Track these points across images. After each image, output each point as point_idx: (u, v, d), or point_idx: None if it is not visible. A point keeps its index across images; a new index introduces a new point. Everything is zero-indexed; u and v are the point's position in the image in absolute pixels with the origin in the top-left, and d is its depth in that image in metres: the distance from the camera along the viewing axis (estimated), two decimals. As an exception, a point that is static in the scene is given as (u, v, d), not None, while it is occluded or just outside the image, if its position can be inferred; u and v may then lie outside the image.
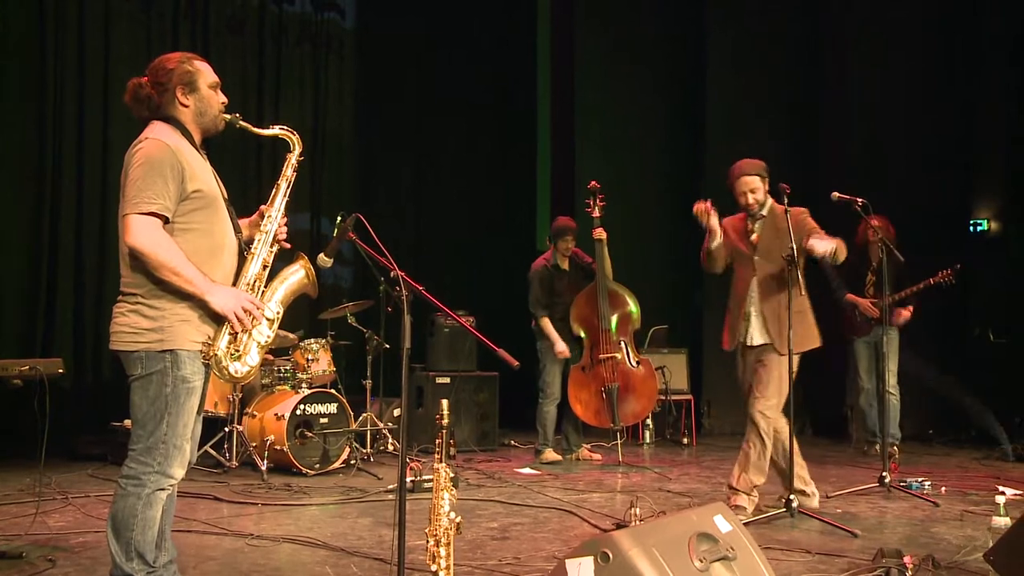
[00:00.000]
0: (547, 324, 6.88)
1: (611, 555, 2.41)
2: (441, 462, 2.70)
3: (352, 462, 6.39)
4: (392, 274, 2.95)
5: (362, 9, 9.48)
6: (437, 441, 2.74)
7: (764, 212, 5.03)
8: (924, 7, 8.71)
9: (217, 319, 2.89)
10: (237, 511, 5.04)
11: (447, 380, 7.56)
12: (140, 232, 2.78)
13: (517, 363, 2.94)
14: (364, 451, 6.64)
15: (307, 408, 6.25)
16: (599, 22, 9.56)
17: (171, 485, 2.92)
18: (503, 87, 9.98)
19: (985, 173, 8.82)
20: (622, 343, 6.87)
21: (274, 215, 3.08)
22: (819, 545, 4.26)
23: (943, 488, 5.72)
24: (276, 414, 6.20)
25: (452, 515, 2.68)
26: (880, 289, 7.05)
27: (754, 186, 4.99)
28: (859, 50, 8.95)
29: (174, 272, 2.79)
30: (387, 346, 6.77)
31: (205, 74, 3.01)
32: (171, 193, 2.82)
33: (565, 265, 7.02)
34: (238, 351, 2.92)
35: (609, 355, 6.79)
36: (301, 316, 7.51)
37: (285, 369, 6.67)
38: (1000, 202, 8.78)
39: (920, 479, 5.78)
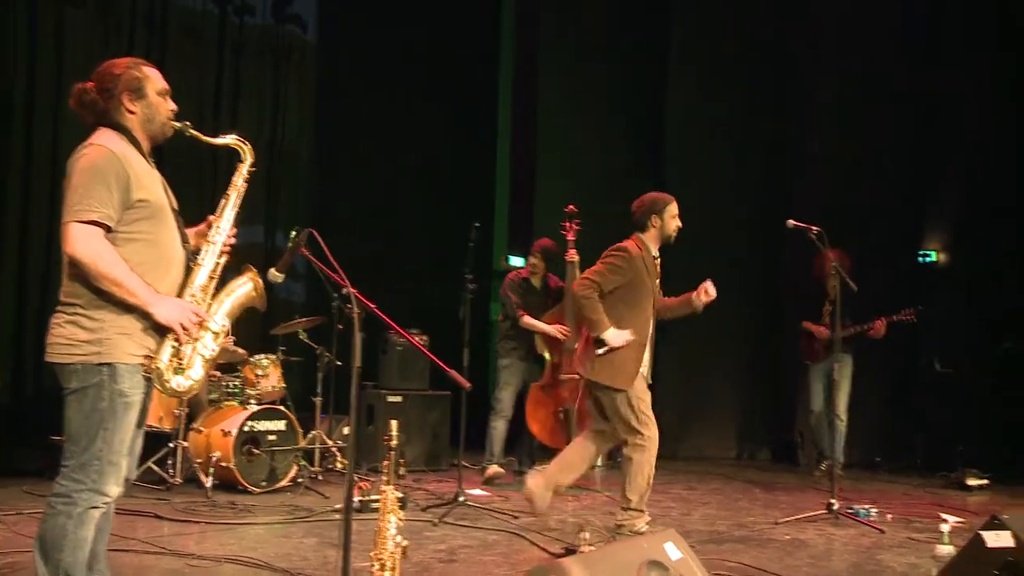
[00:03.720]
0: (531, 320, 6.83)
1: (559, 582, 2.36)
2: (389, 484, 2.63)
3: (300, 480, 6.27)
4: (344, 291, 2.89)
5: (324, 21, 9.43)
6: (385, 463, 2.67)
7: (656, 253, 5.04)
8: (880, 50, 8.86)
9: (160, 331, 2.81)
10: (178, 530, 4.91)
11: (399, 399, 7.47)
12: (80, 241, 2.69)
13: (469, 384, 2.89)
14: (312, 469, 6.53)
15: (255, 424, 6.13)
16: (562, 45, 9.58)
17: (105, 503, 2.82)
18: (465, 104, 9.95)
19: (934, 206, 8.97)
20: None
21: (223, 226, 3.02)
22: (773, 569, 4.25)
23: (889, 515, 5.78)
24: (223, 430, 6.07)
25: (398, 538, 2.62)
26: (842, 319, 7.20)
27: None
28: (821, 84, 9.07)
29: (115, 283, 2.71)
30: (339, 363, 6.67)
31: (153, 80, 2.94)
32: (114, 202, 2.74)
33: (536, 283, 7.02)
34: (181, 364, 2.84)
35: (570, 375, 6.78)
36: (252, 331, 7.38)
37: (234, 385, 6.54)
38: (949, 234, 8.94)
39: (867, 506, 5.82)
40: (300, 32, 9.23)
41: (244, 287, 3.02)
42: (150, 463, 6.07)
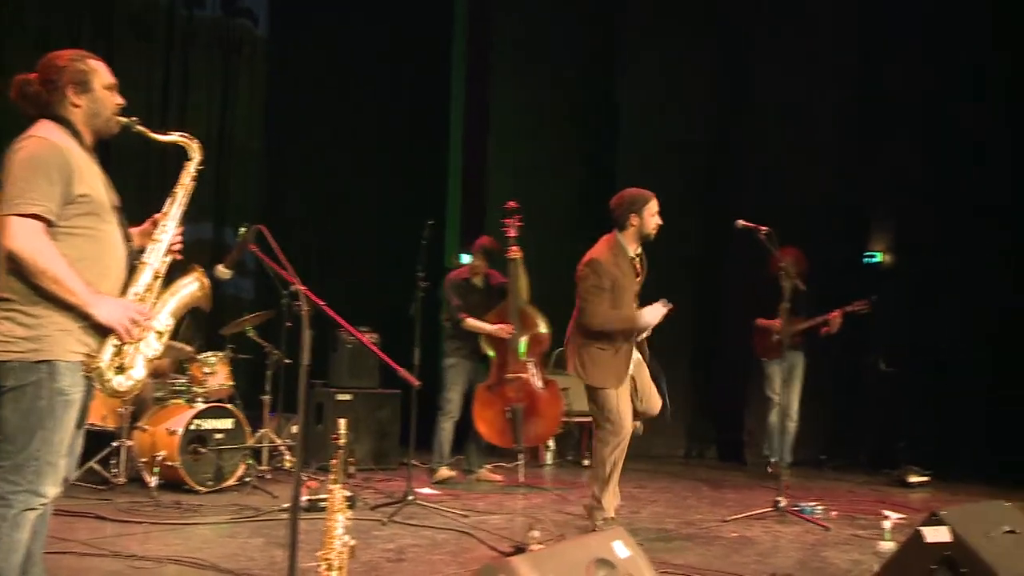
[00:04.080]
0: (474, 321, 6.77)
1: (506, 581, 2.36)
2: (337, 483, 2.60)
3: (247, 479, 6.20)
4: (293, 288, 2.86)
5: (275, 16, 9.32)
6: (333, 462, 2.65)
7: (639, 251, 5.04)
8: (826, 55, 8.99)
9: (101, 330, 2.76)
10: (121, 530, 4.82)
11: (348, 397, 7.42)
12: (20, 235, 2.63)
13: (418, 382, 2.88)
14: (260, 468, 6.46)
15: (201, 423, 6.04)
16: (514, 42, 9.57)
17: (42, 505, 2.74)
18: (417, 99, 9.88)
19: (879, 207, 9.13)
20: (530, 364, 6.86)
21: (169, 224, 2.96)
22: (716, 568, 4.29)
23: (834, 512, 5.86)
24: (168, 429, 5.98)
25: (346, 538, 2.59)
26: (791, 316, 7.27)
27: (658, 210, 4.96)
28: (764, 87, 9.17)
29: (54, 280, 2.65)
30: (288, 361, 6.61)
31: (100, 74, 2.88)
32: (56, 195, 2.68)
33: (478, 283, 6.98)
34: (123, 364, 2.79)
35: (516, 375, 6.77)
36: (200, 328, 7.28)
37: (180, 383, 6.46)
38: (893, 235, 9.10)
39: (812, 503, 5.90)
40: (251, 26, 9.12)
41: (190, 286, 2.97)
42: (92, 463, 5.96)
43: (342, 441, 2.64)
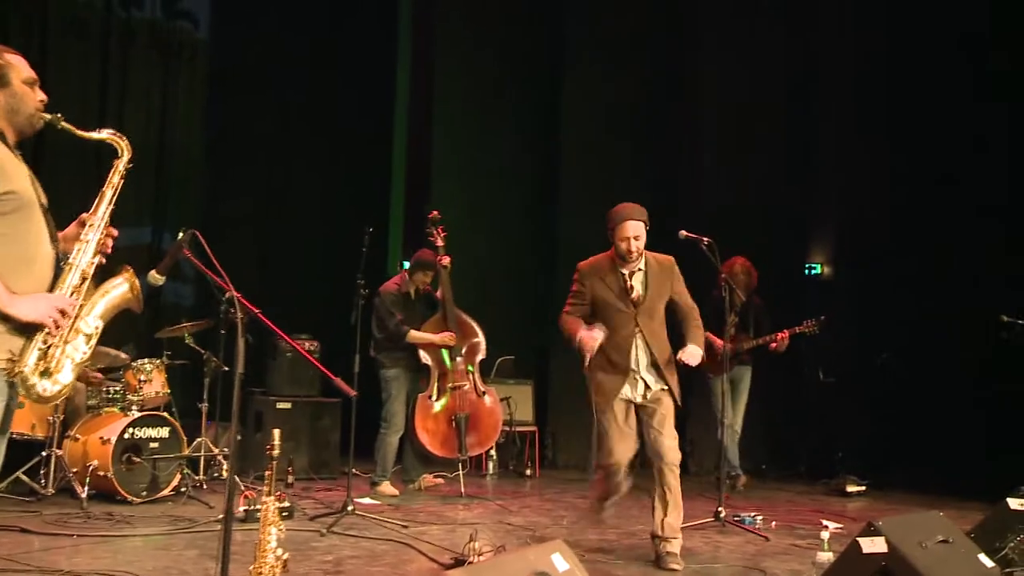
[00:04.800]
0: (417, 333, 6.68)
1: (443, 594, 2.31)
2: (270, 494, 2.53)
3: (183, 490, 6.06)
4: (227, 295, 2.78)
5: (216, 18, 9.16)
6: (267, 473, 2.58)
7: (642, 265, 4.66)
8: (769, 61, 9.12)
9: (25, 332, 2.65)
10: (48, 544, 4.65)
11: (288, 405, 7.31)
12: None
13: (355, 392, 2.82)
14: (197, 478, 6.31)
15: (136, 432, 5.90)
16: (458, 43, 9.53)
17: (-38, 516, 2.64)
18: (361, 103, 9.80)
19: (819, 220, 9.28)
20: (469, 372, 6.82)
21: (97, 224, 2.86)
22: (658, 578, 4.29)
23: (773, 522, 5.90)
24: (101, 438, 5.82)
25: (279, 551, 2.52)
26: (742, 331, 7.32)
27: (638, 233, 4.57)
28: (711, 93, 9.27)
29: None
30: (225, 368, 6.48)
31: (18, 68, 2.78)
32: None
33: (413, 295, 6.91)
34: (48, 368, 2.68)
35: (458, 384, 6.73)
36: (136, 335, 7.12)
37: (114, 390, 6.29)
38: (832, 248, 9.25)
39: (752, 513, 5.94)
40: (191, 28, 8.94)
41: (119, 288, 2.88)
42: (19, 473, 5.78)
43: (276, 452, 2.56)
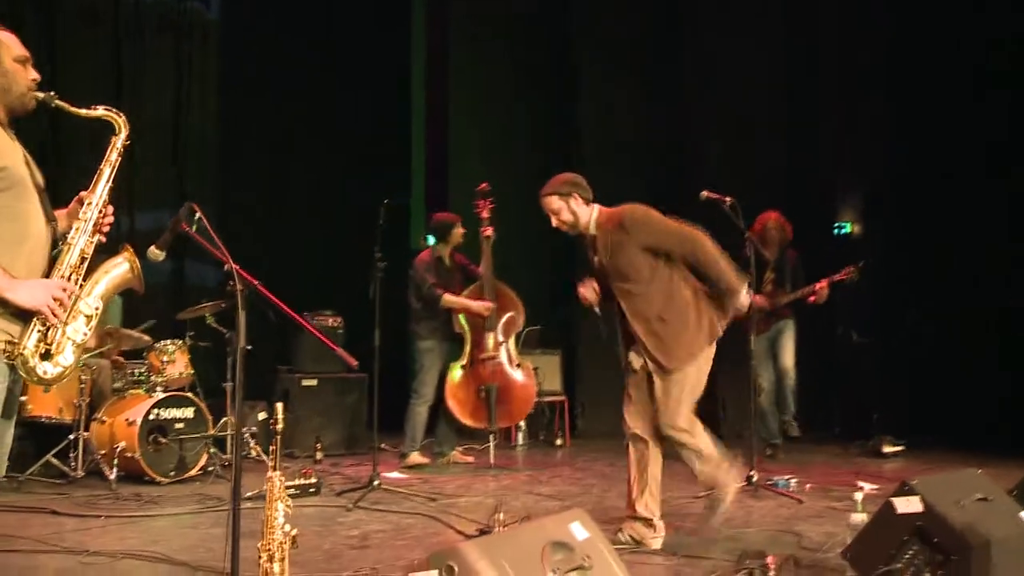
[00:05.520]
0: (453, 297, 6.63)
1: (457, 568, 2.25)
2: (275, 470, 2.47)
3: (210, 469, 6.07)
4: (226, 267, 2.72)
5: (228, -2, 9.10)
6: (272, 448, 2.52)
7: (592, 230, 4.33)
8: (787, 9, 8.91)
9: (24, 315, 2.60)
10: (77, 525, 4.67)
11: (314, 382, 7.30)
12: None
13: (356, 362, 2.75)
14: (224, 457, 6.30)
15: (161, 412, 5.90)
16: (475, 19, 9.42)
17: (-32, 501, 2.60)
18: (375, 79, 9.69)
19: (848, 177, 9.06)
20: (504, 344, 6.76)
21: (95, 202, 2.80)
22: (686, 547, 4.20)
23: (808, 485, 5.78)
24: (127, 419, 5.83)
25: (287, 527, 2.47)
26: (779, 286, 7.09)
27: (553, 208, 4.34)
28: (722, 52, 9.06)
29: None
30: (248, 347, 6.43)
31: (8, 46, 2.70)
32: None
33: (448, 262, 6.85)
34: (49, 350, 2.63)
35: (490, 355, 6.68)
36: (158, 316, 7.11)
37: (139, 372, 6.30)
38: (862, 205, 9.04)
39: (787, 477, 5.83)
40: (203, 9, 8.88)
41: (120, 267, 2.82)
42: (49, 456, 5.82)
43: (279, 426, 2.50)
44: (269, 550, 2.48)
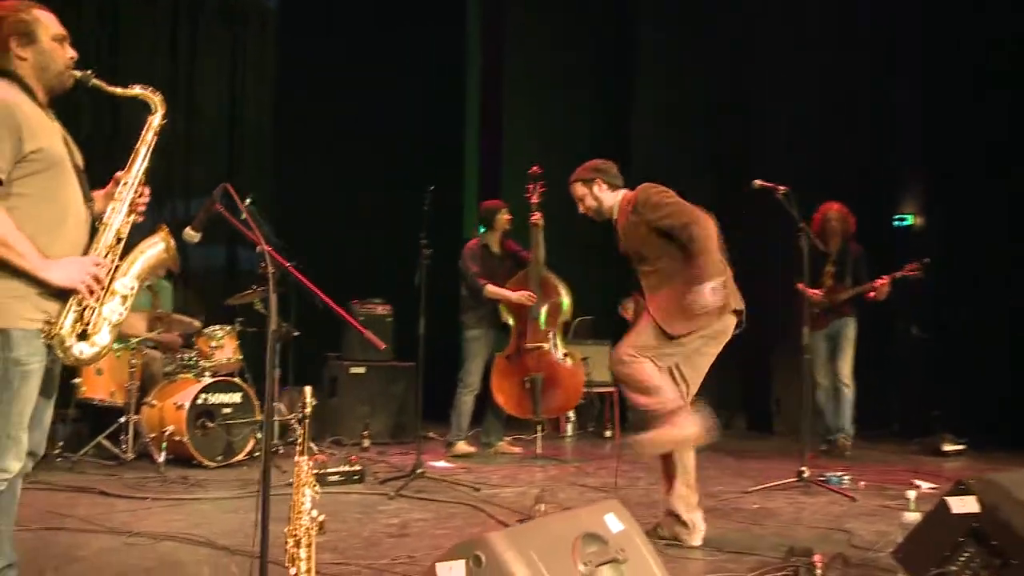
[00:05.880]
0: (495, 288, 6.57)
1: (484, 559, 2.19)
2: (303, 455, 2.44)
3: (257, 455, 6.10)
4: (258, 249, 2.69)
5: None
6: (300, 431, 2.49)
7: (614, 215, 4.34)
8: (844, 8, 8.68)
9: (61, 294, 2.60)
10: (123, 507, 4.72)
11: (362, 370, 7.31)
12: None
13: (383, 345, 2.70)
14: (271, 443, 6.32)
15: (209, 397, 5.95)
16: (531, 7, 9.35)
17: (4, 480, 2.59)
18: (431, 68, 9.67)
19: (909, 168, 8.78)
20: (550, 334, 6.68)
21: (131, 182, 2.79)
22: (732, 542, 4.09)
23: (862, 482, 5.62)
24: (176, 403, 5.89)
25: (314, 513, 2.43)
26: (840, 281, 6.85)
27: (578, 194, 4.39)
28: (781, 41, 8.86)
29: (2, 243, 2.49)
30: (296, 333, 6.48)
31: (47, 24, 2.70)
32: (5, 152, 2.51)
33: (496, 249, 6.80)
34: (86, 330, 2.63)
35: (536, 345, 6.60)
36: (209, 302, 7.18)
37: (189, 357, 6.35)
38: (925, 197, 8.76)
39: (839, 473, 5.68)
40: (260, -3, 8.95)
41: (155, 247, 2.81)
42: (101, 438, 5.91)
43: (307, 410, 2.46)
44: (296, 535, 2.45)
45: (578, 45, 9.32)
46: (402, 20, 9.42)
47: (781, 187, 5.34)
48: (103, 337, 2.67)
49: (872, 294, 6.71)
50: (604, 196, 4.32)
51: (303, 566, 2.43)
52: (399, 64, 9.39)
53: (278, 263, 2.72)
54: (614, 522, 2.51)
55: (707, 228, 4.02)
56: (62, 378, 5.87)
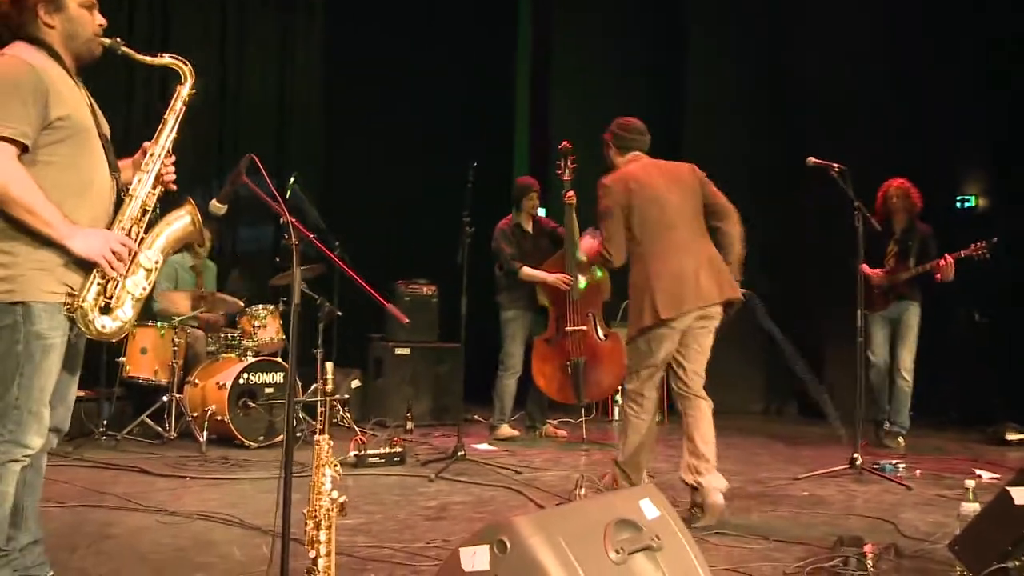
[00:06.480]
0: (529, 270, 6.45)
1: (509, 544, 2.08)
2: (323, 433, 2.35)
3: (299, 435, 6.07)
4: (282, 220, 2.61)
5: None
6: (320, 410, 2.40)
7: None
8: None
9: (85, 266, 2.55)
10: (162, 485, 4.71)
11: (407, 351, 7.24)
12: None
13: (407, 320, 2.61)
14: (313, 423, 6.30)
15: (251, 377, 5.93)
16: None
17: (27, 456, 2.54)
18: (480, 53, 9.53)
19: (972, 148, 8.44)
20: (590, 315, 6.51)
21: (158, 152, 2.72)
22: (779, 530, 3.94)
23: (918, 471, 5.41)
24: (218, 383, 5.87)
25: (334, 494, 2.34)
26: (902, 260, 6.51)
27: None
28: (838, 17, 8.55)
29: (28, 210, 2.44)
30: (339, 313, 6.43)
31: None
32: (30, 118, 2.45)
33: (529, 227, 6.66)
34: (109, 303, 2.57)
35: (576, 327, 6.44)
36: (253, 281, 7.17)
37: (232, 336, 6.34)
38: (988, 178, 8.43)
39: (894, 461, 5.47)
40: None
41: (181, 220, 2.74)
42: (143, 417, 5.92)
43: (329, 387, 2.37)
44: (315, 517, 2.37)
45: (629, 31, 9.12)
46: (450, 6, 9.29)
47: (836, 165, 5.13)
48: (126, 311, 2.61)
49: (938, 276, 6.31)
50: (616, 159, 4.39)
51: (323, 549, 2.35)
52: (447, 49, 9.28)
53: (302, 235, 2.62)
54: (650, 508, 2.39)
55: (604, 221, 4.25)
56: (108, 356, 5.95)
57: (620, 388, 7.18)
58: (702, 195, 4.33)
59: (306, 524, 2.39)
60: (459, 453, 5.33)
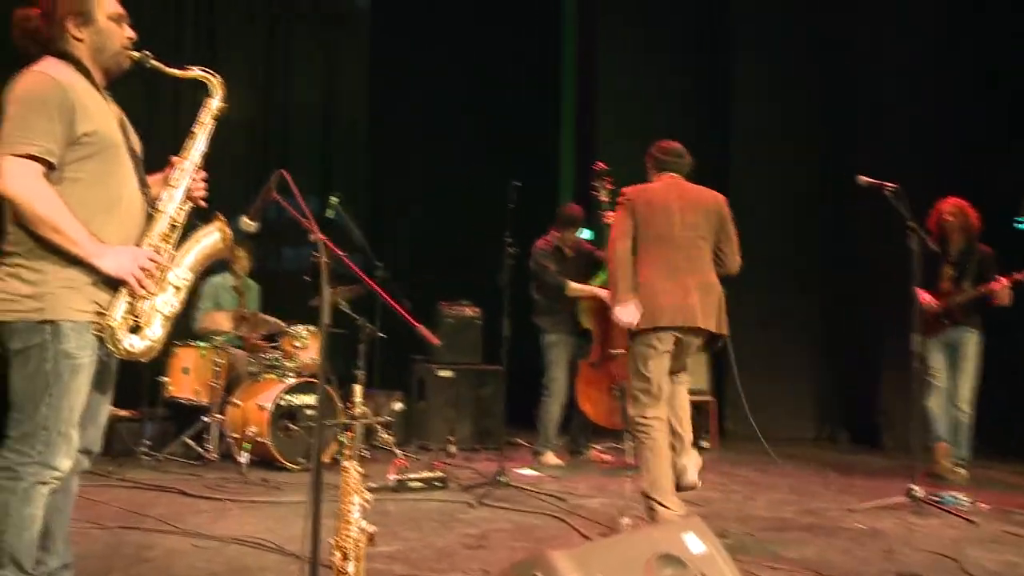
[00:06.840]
0: (576, 285, 6.34)
1: (544, 579, 1.96)
2: (351, 459, 2.26)
3: (340, 458, 5.97)
4: (312, 238, 2.53)
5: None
6: (349, 435, 2.31)
7: None
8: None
9: (114, 285, 2.49)
10: (201, 507, 4.65)
11: (450, 373, 7.13)
12: (15, 178, 2.37)
13: (437, 340, 2.51)
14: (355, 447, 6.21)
15: (292, 398, 5.87)
16: (627, 8, 9.11)
17: (56, 479, 2.48)
18: (525, 68, 9.48)
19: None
20: None
21: (187, 167, 2.67)
22: (835, 565, 3.76)
23: (983, 504, 5.15)
24: (259, 404, 5.82)
25: (363, 523, 2.24)
26: (958, 283, 6.21)
27: None
28: (890, 31, 8.37)
29: (54, 229, 2.39)
30: (380, 335, 6.36)
31: (103, 3, 2.59)
32: (57, 135, 2.41)
33: (568, 252, 6.56)
34: (138, 323, 2.51)
35: (621, 350, 6.30)
36: (295, 301, 7.12)
37: (274, 357, 6.29)
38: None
39: (955, 493, 5.22)
40: (353, -3, 8.96)
41: (211, 236, 2.68)
42: (185, 437, 5.89)
43: (357, 411, 2.28)
44: (343, 548, 2.26)
45: (674, 43, 9.02)
46: (494, 20, 9.26)
47: (889, 184, 4.94)
48: (155, 331, 2.54)
49: (995, 301, 5.99)
50: (652, 178, 4.51)
51: (351, 581, 2.24)
52: (492, 64, 9.25)
53: (333, 253, 2.54)
54: (695, 542, 2.25)
55: (612, 247, 4.37)
56: (150, 376, 5.93)
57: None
58: (718, 227, 4.38)
59: (332, 555, 2.28)
60: (500, 478, 5.20)
